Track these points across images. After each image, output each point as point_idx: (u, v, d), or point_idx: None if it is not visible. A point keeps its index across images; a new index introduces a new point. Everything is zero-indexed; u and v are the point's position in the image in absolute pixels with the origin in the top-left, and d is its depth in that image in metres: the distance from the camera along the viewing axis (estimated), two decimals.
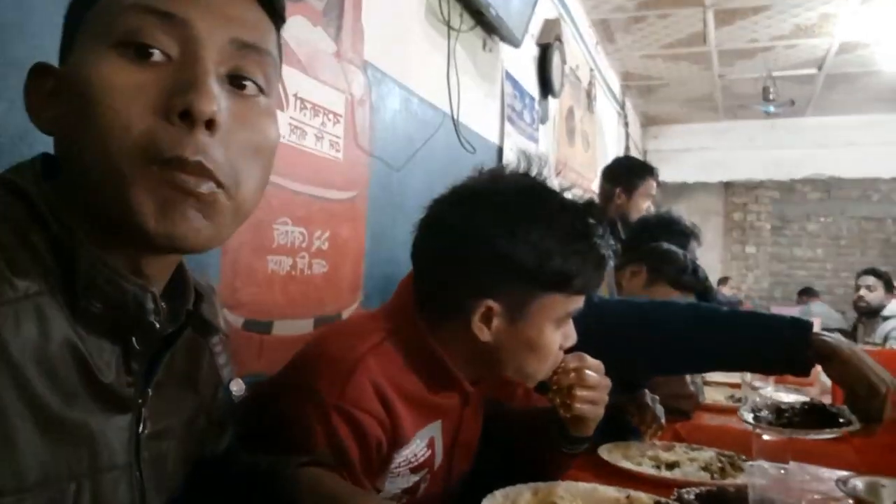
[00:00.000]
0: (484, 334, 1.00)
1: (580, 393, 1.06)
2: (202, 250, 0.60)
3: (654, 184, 2.85)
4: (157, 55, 0.56)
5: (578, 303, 1.04)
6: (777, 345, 1.20)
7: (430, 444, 1.05)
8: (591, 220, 1.02)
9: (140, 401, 0.63)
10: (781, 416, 1.31)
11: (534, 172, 1.06)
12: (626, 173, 2.85)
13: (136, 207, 0.55)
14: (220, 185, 0.58)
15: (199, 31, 0.57)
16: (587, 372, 1.07)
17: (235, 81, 0.60)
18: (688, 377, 1.81)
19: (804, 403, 1.34)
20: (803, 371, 1.20)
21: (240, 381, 0.71)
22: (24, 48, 0.84)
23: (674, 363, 1.38)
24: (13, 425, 0.52)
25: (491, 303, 0.99)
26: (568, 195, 1.04)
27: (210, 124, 0.56)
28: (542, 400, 1.31)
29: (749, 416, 1.29)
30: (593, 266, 1.01)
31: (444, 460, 1.09)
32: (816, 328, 1.21)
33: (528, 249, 0.97)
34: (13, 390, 0.52)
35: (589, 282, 1.02)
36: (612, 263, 1.06)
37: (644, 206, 2.79)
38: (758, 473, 0.98)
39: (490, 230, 0.98)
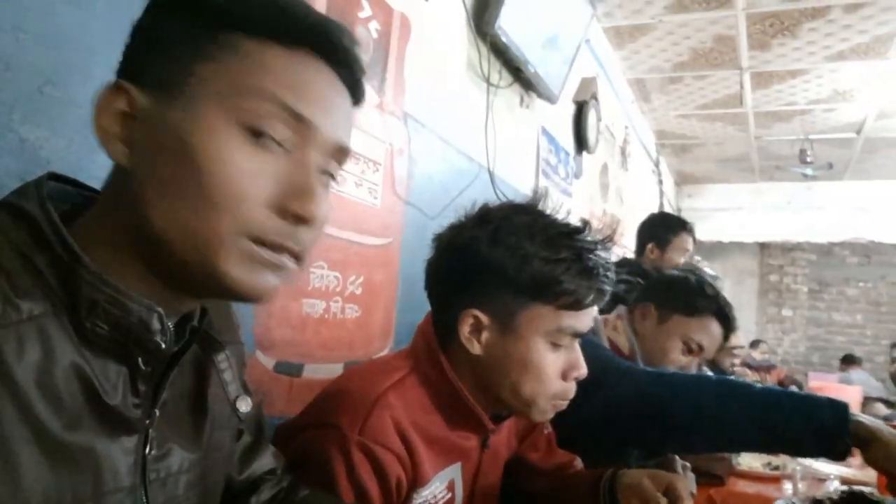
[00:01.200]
0: (474, 347, 0.99)
1: None
2: (263, 301, 0.63)
3: (690, 239, 2.78)
4: (275, 145, 0.59)
5: (572, 321, 0.99)
6: (814, 430, 1.15)
7: (451, 487, 1.04)
8: (580, 235, 1.00)
9: (147, 422, 0.63)
10: None
11: (538, 200, 1.05)
12: (659, 228, 2.81)
13: (223, 263, 0.57)
14: (299, 263, 0.63)
15: (321, 137, 0.61)
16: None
17: (324, 175, 0.64)
18: None
19: (843, 492, 1.30)
20: (841, 457, 1.15)
21: (247, 399, 0.72)
22: (86, 89, 0.89)
23: (703, 443, 1.32)
24: (15, 449, 0.51)
25: (477, 312, 0.98)
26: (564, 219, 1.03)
27: (311, 221, 0.61)
28: (565, 455, 1.29)
29: None
30: (579, 276, 0.97)
31: None
32: (857, 396, 1.18)
33: (508, 254, 0.96)
34: (16, 414, 0.51)
35: (578, 293, 0.98)
36: (607, 286, 1.01)
37: (679, 261, 2.72)
38: None
39: (474, 238, 0.99)
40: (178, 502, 0.67)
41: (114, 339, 0.58)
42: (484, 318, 0.99)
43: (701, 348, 1.61)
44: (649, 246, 2.74)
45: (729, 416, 1.22)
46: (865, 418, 1.15)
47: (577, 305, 0.99)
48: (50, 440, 0.53)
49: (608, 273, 1.01)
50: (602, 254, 1.01)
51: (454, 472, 1.05)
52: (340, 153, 0.64)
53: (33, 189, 0.59)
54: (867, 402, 4.38)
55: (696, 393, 1.27)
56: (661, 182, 6.06)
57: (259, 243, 0.58)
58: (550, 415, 1.05)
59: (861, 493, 1.23)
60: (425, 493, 0.99)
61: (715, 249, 7.78)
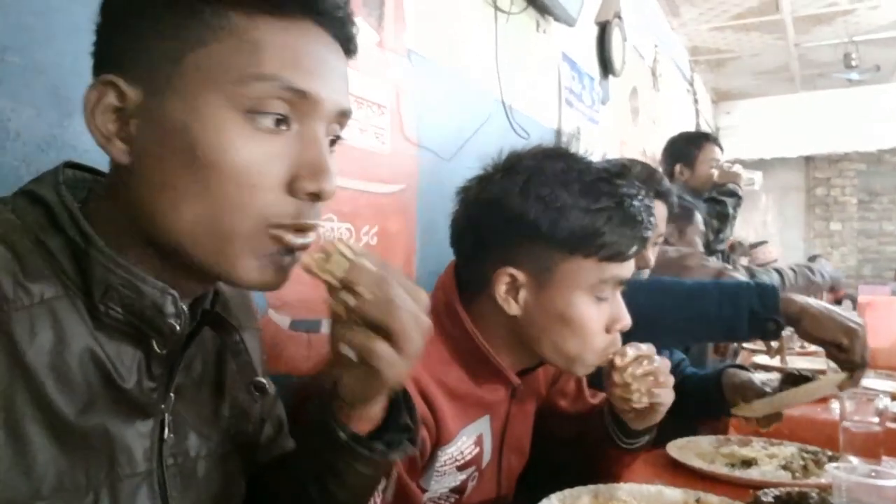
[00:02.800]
0: (511, 307, 0.95)
1: (641, 384, 0.97)
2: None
3: (717, 148, 2.69)
4: (284, 125, 0.58)
5: (616, 271, 0.94)
6: (746, 314, 1.19)
7: (479, 442, 1.01)
8: (620, 181, 0.94)
9: (163, 406, 0.62)
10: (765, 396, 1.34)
11: (570, 145, 1.00)
12: (682, 146, 2.72)
13: (238, 263, 0.57)
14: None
15: (324, 108, 0.59)
16: (650, 359, 0.98)
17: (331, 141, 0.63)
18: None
19: (783, 377, 1.36)
20: (774, 336, 1.22)
21: (263, 379, 0.69)
22: (49, 53, 0.84)
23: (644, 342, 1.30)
24: (28, 433, 0.51)
25: (513, 271, 0.93)
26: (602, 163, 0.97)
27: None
28: (597, 397, 1.24)
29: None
30: (621, 226, 0.92)
31: (493, 459, 1.04)
32: None
33: (542, 206, 0.91)
34: (28, 397, 0.52)
35: (620, 245, 0.92)
36: (650, 231, 0.97)
37: (709, 174, 2.64)
38: (844, 473, 0.89)
39: (504, 191, 0.94)
40: (197, 487, 0.66)
41: (128, 322, 0.58)
42: (520, 276, 0.94)
43: None
44: (678, 168, 2.65)
45: (664, 314, 1.24)
46: (795, 296, 1.21)
47: (620, 257, 0.94)
48: (63, 424, 0.53)
49: (651, 219, 0.96)
50: (645, 199, 0.95)
51: (482, 426, 1.01)
52: (343, 116, 0.63)
53: (50, 176, 0.59)
54: None
55: (631, 297, 1.24)
56: (696, 101, 5.83)
57: (280, 228, 0.57)
58: (593, 369, 1.00)
59: (794, 372, 1.32)
60: (451, 450, 0.96)
61: (757, 166, 7.44)
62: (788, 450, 1.25)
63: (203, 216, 0.56)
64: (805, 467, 1.16)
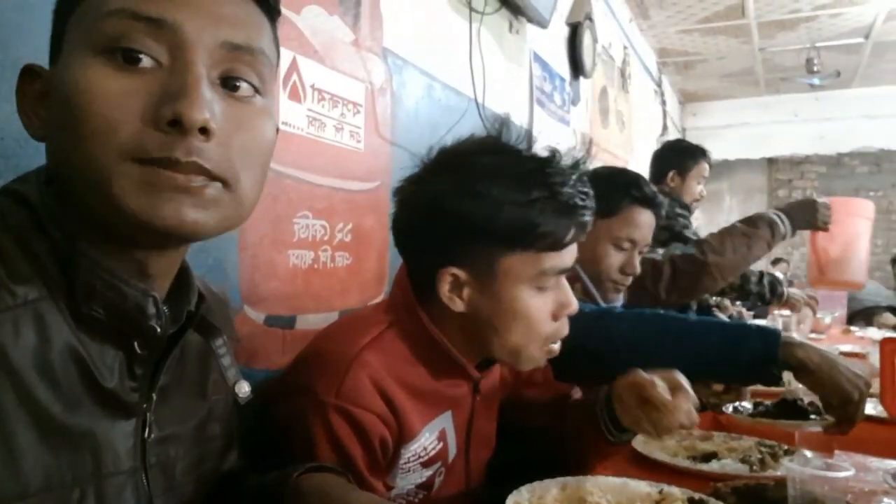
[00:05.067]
0: (456, 305, 0.95)
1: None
2: (194, 236, 0.59)
3: (707, 167, 2.77)
4: (145, 61, 0.55)
5: (555, 261, 0.94)
6: (745, 360, 1.19)
7: (442, 437, 1.02)
8: (551, 169, 0.93)
9: (145, 406, 0.63)
10: (755, 411, 1.43)
11: (502, 133, 0.97)
12: (679, 155, 2.78)
13: (117, 193, 0.54)
14: (216, 178, 0.57)
15: (189, 35, 0.55)
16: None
17: (228, 83, 0.59)
18: None
19: (780, 399, 1.42)
20: (774, 382, 1.22)
21: (245, 383, 0.69)
22: (25, 48, 0.83)
23: None
24: (14, 432, 0.52)
25: (455, 270, 0.93)
26: (533, 152, 0.95)
27: (204, 131, 0.55)
28: (564, 386, 1.27)
29: (729, 410, 1.41)
30: (557, 215, 0.91)
31: (459, 453, 1.06)
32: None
33: (477, 203, 0.90)
34: (14, 397, 0.52)
35: (557, 234, 0.92)
36: (588, 216, 0.96)
37: (697, 189, 2.72)
38: (798, 466, 0.93)
39: (437, 192, 0.92)
40: (177, 488, 0.67)
41: (110, 323, 0.58)
42: (462, 275, 0.94)
43: (633, 241, 1.60)
44: (670, 174, 2.71)
45: (663, 354, 1.23)
46: (797, 343, 1.19)
47: (558, 245, 0.94)
48: (49, 423, 0.54)
49: (587, 203, 0.95)
50: (578, 184, 0.94)
51: (444, 421, 1.03)
52: (241, 52, 0.59)
53: (34, 175, 0.60)
54: (877, 310, 4.36)
55: (632, 334, 1.28)
56: (664, 102, 5.91)
57: (146, 163, 0.54)
58: (542, 362, 1.02)
59: (794, 399, 1.37)
60: (414, 446, 0.97)
61: (721, 168, 7.65)
62: (747, 443, 1.30)
63: (79, 163, 0.55)
64: (762, 461, 1.20)
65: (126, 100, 0.54)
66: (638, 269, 1.63)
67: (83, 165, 0.54)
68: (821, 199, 2.08)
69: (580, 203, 0.93)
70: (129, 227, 0.55)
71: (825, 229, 2.04)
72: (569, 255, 0.97)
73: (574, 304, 0.99)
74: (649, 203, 1.61)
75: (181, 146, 0.54)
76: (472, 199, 0.90)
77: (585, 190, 0.95)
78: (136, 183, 0.54)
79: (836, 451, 1.18)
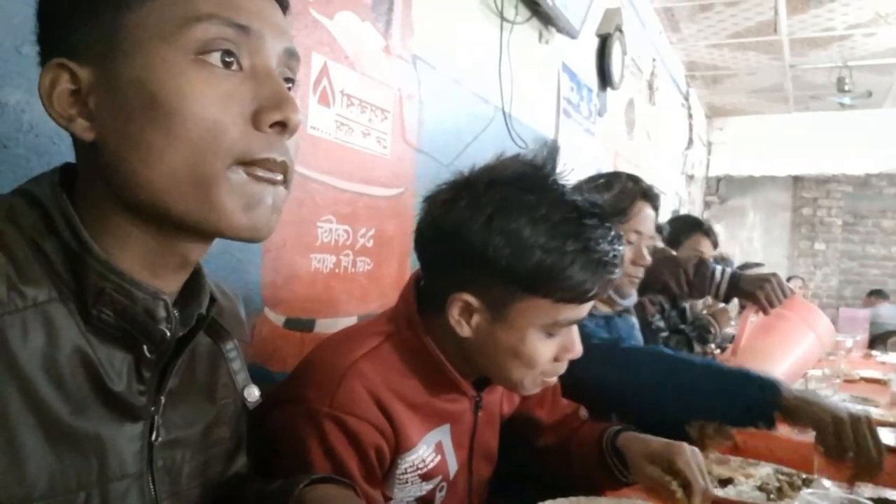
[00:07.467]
0: (463, 329, 0.93)
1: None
2: (266, 238, 0.63)
3: (707, 242, 2.68)
4: (234, 66, 0.58)
5: (572, 313, 0.92)
6: (743, 408, 1.23)
7: (439, 450, 1.01)
8: (591, 221, 0.90)
9: (153, 409, 0.63)
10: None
11: (548, 164, 0.94)
12: (673, 229, 2.71)
13: (223, 206, 0.56)
14: (287, 175, 0.61)
15: (269, 43, 0.60)
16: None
17: (286, 82, 0.63)
18: None
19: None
20: (769, 428, 1.25)
21: (254, 388, 0.69)
22: None
23: (640, 419, 1.29)
24: (20, 435, 0.52)
25: (468, 297, 0.92)
26: (576, 196, 0.92)
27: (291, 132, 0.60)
28: (572, 405, 1.26)
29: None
30: (586, 270, 0.88)
31: (462, 469, 1.06)
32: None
33: (503, 243, 0.87)
34: (21, 399, 0.52)
35: (581, 288, 0.90)
36: (616, 274, 0.95)
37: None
38: (817, 499, 0.92)
39: (467, 221, 0.90)
40: (183, 492, 0.67)
41: (119, 326, 0.58)
42: (475, 303, 0.92)
43: (639, 232, 1.65)
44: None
45: (665, 398, 1.29)
46: (798, 392, 1.23)
47: (580, 299, 0.92)
48: (56, 426, 0.54)
49: (616, 262, 0.93)
50: (615, 240, 0.92)
51: (441, 434, 1.02)
52: (292, 58, 0.63)
53: (47, 177, 0.60)
54: (894, 335, 4.30)
55: (634, 377, 1.32)
56: (690, 116, 5.87)
57: (251, 164, 0.57)
58: (535, 391, 1.01)
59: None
60: (411, 457, 0.97)
61: (746, 184, 7.58)
62: (764, 470, 1.28)
63: (175, 165, 0.55)
64: (780, 489, 1.19)
65: (230, 101, 0.57)
66: (648, 259, 1.66)
67: (183, 167, 0.55)
68: (786, 282, 1.84)
69: (612, 261, 0.92)
70: (211, 230, 0.58)
71: (763, 307, 1.79)
72: (586, 308, 0.95)
73: (578, 350, 0.98)
74: (650, 197, 1.67)
75: (277, 147, 0.59)
76: (502, 236, 0.88)
77: (620, 248, 0.93)
78: (237, 195, 0.57)
79: (857, 483, 1.16)
